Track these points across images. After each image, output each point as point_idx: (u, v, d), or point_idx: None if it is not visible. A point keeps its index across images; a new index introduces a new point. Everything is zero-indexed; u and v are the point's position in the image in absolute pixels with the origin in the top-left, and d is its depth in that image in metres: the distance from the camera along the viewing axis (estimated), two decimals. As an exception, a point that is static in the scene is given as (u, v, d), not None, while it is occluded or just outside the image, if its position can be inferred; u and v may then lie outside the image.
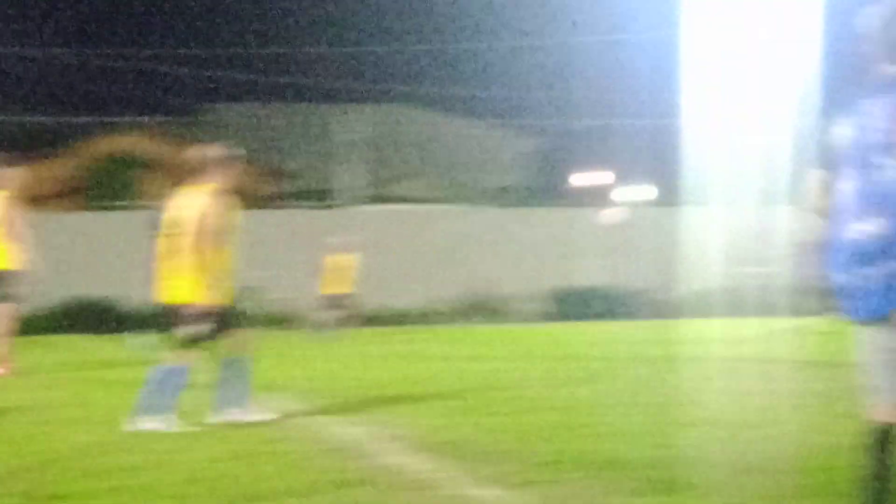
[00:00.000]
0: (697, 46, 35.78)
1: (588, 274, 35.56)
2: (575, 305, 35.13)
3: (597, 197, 44.12)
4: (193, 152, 10.17)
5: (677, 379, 13.29)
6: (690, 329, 25.79)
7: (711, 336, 22.58)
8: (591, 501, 6.18)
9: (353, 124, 40.12)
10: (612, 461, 7.36)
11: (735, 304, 33.28)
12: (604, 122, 40.94)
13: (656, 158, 44.47)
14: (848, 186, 5.10)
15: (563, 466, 7.25)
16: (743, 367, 15.48)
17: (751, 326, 26.68)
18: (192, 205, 9.75)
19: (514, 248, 35.88)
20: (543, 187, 52.42)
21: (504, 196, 45.66)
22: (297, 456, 7.96)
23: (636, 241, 36.43)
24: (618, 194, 41.53)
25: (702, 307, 34.42)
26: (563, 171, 52.14)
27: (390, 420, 9.81)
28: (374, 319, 33.07)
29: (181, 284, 9.66)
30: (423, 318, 34.55)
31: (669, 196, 39.73)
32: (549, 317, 35.21)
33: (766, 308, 30.30)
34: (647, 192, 44.53)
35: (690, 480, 6.63)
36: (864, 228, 4.93)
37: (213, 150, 10.08)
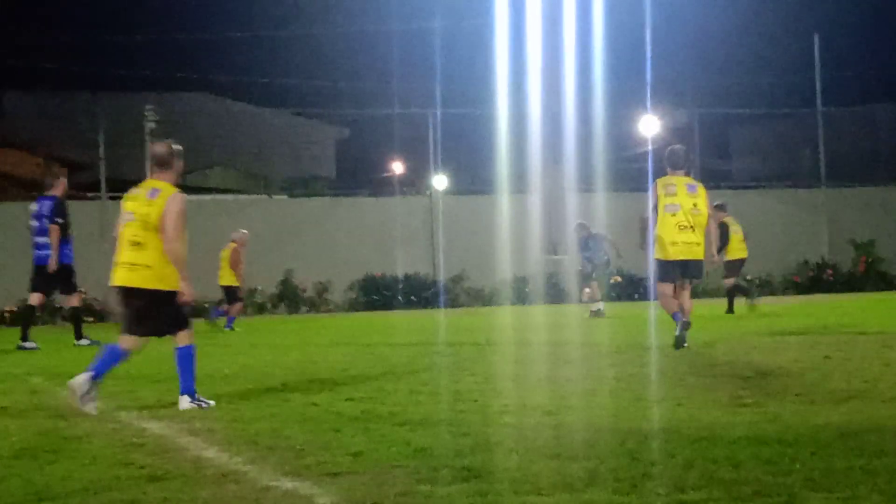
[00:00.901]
0: (509, 37, 36.23)
1: (398, 263, 35.73)
2: (383, 294, 35.26)
3: (406, 185, 44.31)
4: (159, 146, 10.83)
5: (485, 366, 13.46)
6: (501, 316, 26.16)
7: (521, 323, 22.92)
8: (395, 490, 6.25)
9: (150, 114, 39.50)
10: (418, 450, 7.44)
11: (548, 291, 33.92)
12: (412, 110, 41.04)
13: (467, 147, 44.83)
14: None
15: (369, 456, 7.31)
16: (550, 353, 15.76)
17: (560, 313, 27.19)
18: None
19: (322, 237, 35.86)
20: (351, 176, 52.38)
21: (310, 185, 45.48)
22: (97, 451, 7.86)
23: (447, 229, 36.74)
24: (427, 183, 41.77)
25: (515, 294, 34.95)
26: (372, 160, 52.24)
27: (194, 414, 9.75)
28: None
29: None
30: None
31: (481, 185, 40.13)
32: (358, 306, 35.29)
33: (575, 295, 30.86)
34: (456, 180, 44.87)
35: (494, 468, 6.75)
36: None
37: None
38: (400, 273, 35.81)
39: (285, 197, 42.03)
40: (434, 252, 36.72)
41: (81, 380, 9.96)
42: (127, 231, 10.40)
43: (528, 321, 24.65)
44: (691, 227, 15.07)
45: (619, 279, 34.93)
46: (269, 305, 36.16)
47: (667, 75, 44.61)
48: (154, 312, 10.30)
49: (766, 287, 37.25)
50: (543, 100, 37.76)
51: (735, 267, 24.78)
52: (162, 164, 10.63)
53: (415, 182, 44.90)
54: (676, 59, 44.50)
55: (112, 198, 35.59)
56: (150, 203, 10.31)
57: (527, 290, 35.42)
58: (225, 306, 25.52)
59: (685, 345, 14.76)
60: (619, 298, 34.16)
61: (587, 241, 26.67)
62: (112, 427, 9.12)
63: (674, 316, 15.16)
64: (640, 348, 15.41)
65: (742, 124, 56.11)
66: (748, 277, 36.97)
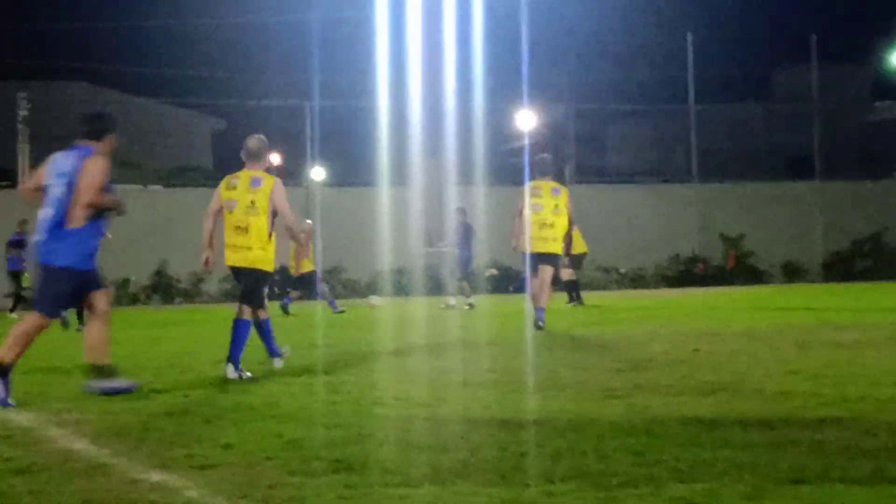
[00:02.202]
0: (389, 28, 36.22)
1: (277, 255, 35.55)
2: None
3: (284, 177, 44.10)
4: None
5: (359, 358, 13.46)
6: (378, 309, 26.15)
7: (397, 315, 22.95)
8: (265, 483, 6.23)
9: (23, 102, 38.84)
10: (291, 442, 7.43)
11: (426, 283, 33.96)
12: (290, 102, 40.84)
13: (346, 139, 44.75)
14: None
15: (240, 448, 7.28)
16: (425, 345, 15.81)
17: (437, 305, 27.26)
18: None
19: (197, 227, 35.41)
20: (228, 168, 52.07)
21: (186, 176, 45.00)
22: (-37, 444, 7.73)
23: (325, 221, 36.63)
24: (302, 175, 41.62)
25: (393, 286, 34.95)
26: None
27: (63, 405, 9.62)
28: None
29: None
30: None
31: (360, 177, 40.04)
32: (234, 297, 35.03)
33: (454, 286, 30.96)
34: (334, 172, 44.76)
35: (365, 460, 6.76)
36: None
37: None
38: (276, 265, 35.65)
39: (160, 187, 41.53)
40: (312, 244, 36.59)
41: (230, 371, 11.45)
42: (231, 217, 11.91)
43: (405, 313, 24.69)
44: (551, 224, 17.19)
45: (496, 272, 35.13)
46: (142, 296, 35.75)
47: (544, 70, 44.92)
48: (256, 287, 11.94)
49: (638, 280, 37.73)
50: (423, 92, 37.82)
51: (578, 261, 25.86)
52: (255, 155, 12.07)
53: (293, 174, 44.68)
54: (553, 54, 44.86)
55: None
56: (255, 191, 11.83)
57: (403, 282, 35.46)
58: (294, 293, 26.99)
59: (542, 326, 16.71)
60: (494, 291, 34.36)
61: (465, 230, 26.89)
62: (-23, 419, 8.97)
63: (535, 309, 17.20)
64: (514, 341, 15.53)
65: (617, 120, 56.72)
66: (622, 270, 37.45)
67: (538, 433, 7.60)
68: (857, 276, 38.99)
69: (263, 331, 12.26)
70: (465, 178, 37.78)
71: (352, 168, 43.37)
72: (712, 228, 39.46)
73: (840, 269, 39.62)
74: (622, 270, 37.47)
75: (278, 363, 12.25)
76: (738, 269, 39.26)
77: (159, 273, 35.80)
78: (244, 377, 11.37)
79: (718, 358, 12.30)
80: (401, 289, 32.00)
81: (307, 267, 26.68)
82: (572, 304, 25.28)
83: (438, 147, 37.84)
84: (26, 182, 10.95)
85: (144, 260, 35.04)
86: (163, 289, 35.92)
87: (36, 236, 10.07)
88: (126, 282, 34.09)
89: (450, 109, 38.01)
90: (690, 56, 40.83)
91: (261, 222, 11.89)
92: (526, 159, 33.99)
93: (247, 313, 11.99)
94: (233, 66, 47.37)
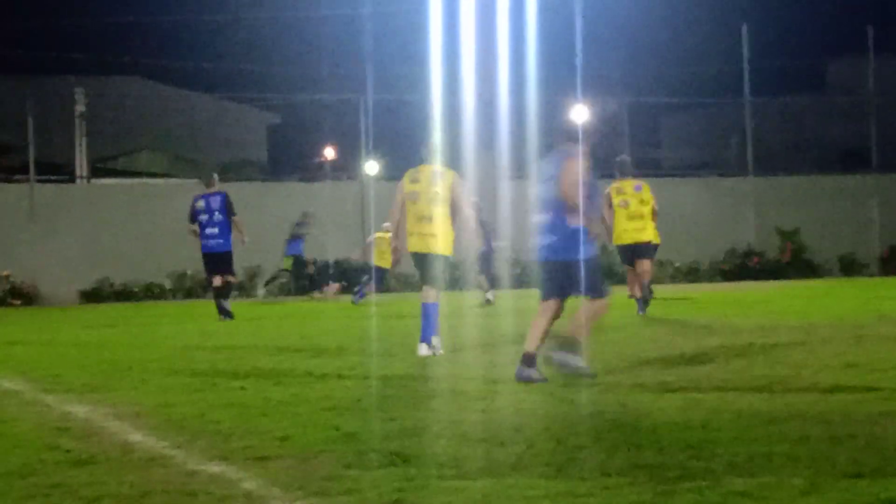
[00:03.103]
0: (442, 22, 36.24)
1: (329, 248, 35.65)
2: (315, 280, 35.15)
3: (336, 171, 44.19)
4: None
5: (408, 352, 13.47)
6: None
7: (452, 309, 22.95)
8: (321, 474, 6.26)
9: (80, 97, 39.14)
10: (346, 435, 7.47)
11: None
12: (344, 96, 40.95)
13: (400, 133, 44.78)
14: None
15: (296, 440, 7.32)
16: (479, 337, 15.81)
17: (497, 298, 27.26)
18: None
19: (252, 222, 35.63)
20: (283, 162, 52.19)
21: (241, 170, 45.21)
22: (22, 435, 7.82)
23: (379, 215, 36.67)
24: (356, 168, 41.72)
25: (448, 280, 34.89)
26: (304, 145, 52.06)
27: (118, 397, 9.71)
28: (119, 294, 32.83)
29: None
30: (169, 293, 34.24)
31: (404, 170, 40.03)
32: (290, 291, 35.17)
33: (499, 280, 30.98)
34: (388, 166, 44.87)
35: (421, 453, 6.79)
36: None
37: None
38: (331, 258, 35.72)
39: (224, 182, 41.73)
40: (365, 238, 36.68)
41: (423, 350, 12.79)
42: (415, 208, 13.27)
43: (461, 307, 24.69)
44: (640, 215, 19.39)
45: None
46: (198, 290, 35.99)
47: (597, 64, 44.82)
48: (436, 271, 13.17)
49: (693, 274, 37.55)
50: (476, 85, 37.79)
51: None
52: (436, 152, 13.67)
53: (346, 167, 44.76)
54: (607, 47, 44.74)
55: (40, 180, 35.28)
56: (439, 184, 13.22)
57: (457, 275, 35.46)
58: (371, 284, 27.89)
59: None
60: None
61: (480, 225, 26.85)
62: (37, 410, 9.07)
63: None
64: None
65: (671, 113, 56.46)
66: (676, 264, 37.28)
67: (593, 426, 7.60)
68: (915, 270, 38.67)
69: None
70: (519, 172, 37.72)
71: (406, 162, 43.33)
72: (768, 222, 39.20)
73: (898, 262, 39.29)
74: (677, 264, 37.30)
75: (424, 350, 12.90)
76: (793, 263, 38.96)
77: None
78: (437, 354, 12.75)
79: (774, 352, 12.23)
80: (454, 283, 31.87)
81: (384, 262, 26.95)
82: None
83: (492, 141, 37.82)
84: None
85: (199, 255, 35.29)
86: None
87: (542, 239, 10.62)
88: (183, 276, 34.30)
89: (503, 103, 37.97)
90: (746, 48, 40.58)
91: (443, 211, 13.20)
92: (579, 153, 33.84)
93: (432, 296, 13.17)
94: (287, 60, 47.53)
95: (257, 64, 47.11)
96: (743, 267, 38.33)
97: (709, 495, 5.58)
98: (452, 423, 7.89)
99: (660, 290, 26.04)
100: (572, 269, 10.44)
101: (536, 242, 10.67)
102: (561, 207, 10.40)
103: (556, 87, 40.98)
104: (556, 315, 10.64)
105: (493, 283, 26.42)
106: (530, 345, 10.35)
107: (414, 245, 13.38)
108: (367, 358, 12.78)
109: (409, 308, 24.17)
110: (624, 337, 14.84)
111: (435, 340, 13.04)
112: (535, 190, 10.82)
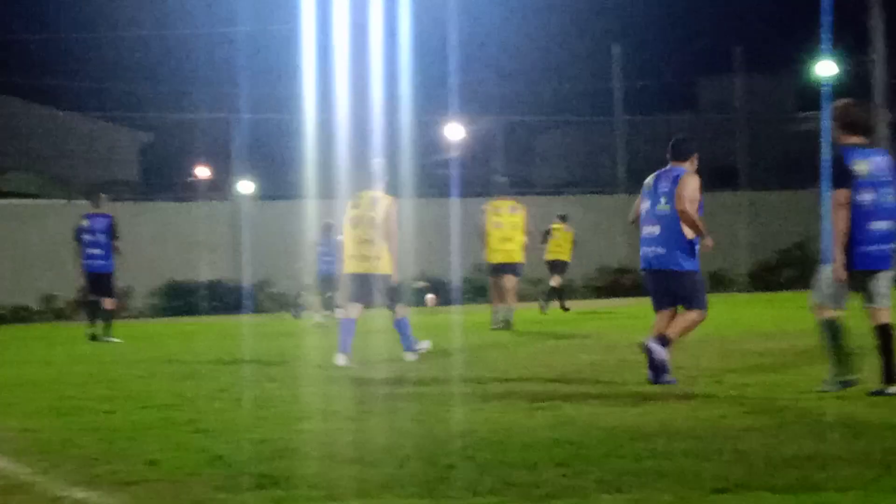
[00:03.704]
0: (315, 41, 36.13)
1: (202, 268, 35.32)
2: (187, 300, 34.82)
3: (209, 190, 43.86)
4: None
5: (287, 372, 13.39)
6: (301, 323, 26.06)
7: (326, 328, 22.86)
8: (190, 498, 6.18)
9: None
10: (217, 458, 7.38)
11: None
12: (217, 115, 40.68)
13: (274, 152, 44.60)
14: None
15: (165, 465, 7.21)
16: (355, 357, 15.76)
17: (370, 317, 27.17)
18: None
19: (124, 242, 35.15)
20: (156, 181, 51.62)
21: (113, 190, 44.60)
22: None
23: (253, 234, 36.45)
24: (229, 188, 41.46)
25: (322, 300, 34.77)
26: (177, 165, 51.57)
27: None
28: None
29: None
30: (37, 315, 33.60)
31: (287, 190, 39.90)
32: (161, 312, 34.78)
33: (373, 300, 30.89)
34: (262, 185, 44.69)
35: (291, 474, 6.73)
36: None
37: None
38: (204, 279, 35.40)
39: (86, 202, 41.11)
40: (239, 257, 36.42)
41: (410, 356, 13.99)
42: (355, 232, 14.14)
43: (334, 326, 24.58)
44: (510, 238, 20.32)
45: (425, 284, 35.10)
46: (67, 311, 35.39)
47: (472, 82, 45.06)
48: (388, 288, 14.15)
49: (567, 291, 37.86)
50: (350, 105, 37.75)
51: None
52: (378, 177, 14.63)
53: (221, 187, 44.44)
54: (482, 66, 45.02)
55: None
56: (374, 209, 14.05)
57: (329, 295, 35.33)
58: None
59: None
60: (421, 304, 34.30)
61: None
62: None
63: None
64: (442, 354, 15.50)
65: (545, 131, 56.97)
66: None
67: (465, 445, 7.60)
68: (782, 285, 39.36)
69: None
70: (394, 190, 37.74)
71: (280, 181, 43.20)
72: (639, 238, 39.68)
73: (766, 278, 39.97)
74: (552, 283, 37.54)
75: (411, 356, 14.14)
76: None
77: (84, 288, 35.48)
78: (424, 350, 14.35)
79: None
80: (329, 303, 31.74)
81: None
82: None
83: (365, 159, 37.80)
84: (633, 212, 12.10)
85: (70, 274, 34.72)
86: (88, 304, 35.58)
87: (651, 249, 11.40)
88: (52, 298, 33.72)
89: (377, 121, 37.98)
90: (617, 67, 41.09)
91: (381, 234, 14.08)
92: (454, 171, 34.06)
93: (401, 312, 14.44)
94: (161, 79, 47.09)
95: (130, 83, 46.60)
96: (615, 283, 38.73)
97: (578, 512, 5.62)
98: (324, 444, 7.85)
99: (533, 308, 26.22)
100: (679, 279, 11.26)
101: (645, 253, 11.50)
102: (674, 221, 11.10)
103: (432, 105, 41.12)
104: (672, 319, 11.35)
105: (329, 305, 26.21)
106: (672, 332, 11.15)
107: (355, 267, 14.04)
108: (240, 379, 12.65)
109: (285, 327, 24.04)
110: (497, 354, 14.89)
111: (413, 350, 14.27)
112: (644, 204, 11.60)
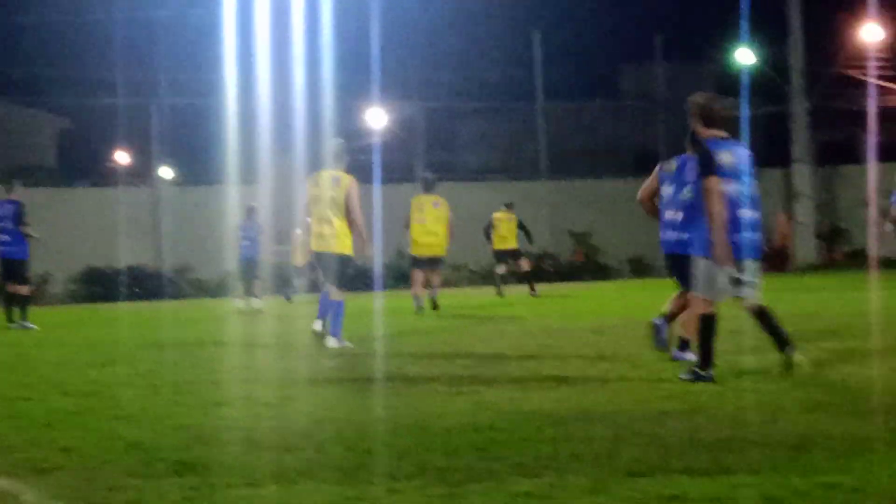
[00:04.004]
0: (236, 26, 35.91)
1: (122, 254, 35.02)
2: (106, 286, 34.52)
3: (129, 176, 43.42)
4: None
5: (206, 358, 13.32)
6: (221, 308, 25.93)
7: (246, 314, 22.77)
8: (105, 485, 6.13)
9: None
10: (133, 444, 7.33)
11: (275, 281, 33.59)
12: (137, 100, 40.23)
13: (195, 138, 44.22)
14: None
15: (81, 451, 7.15)
16: (274, 344, 15.72)
17: (285, 304, 27.13)
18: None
19: (41, 228, 34.77)
20: (74, 167, 51.07)
21: (30, 175, 44.07)
22: None
23: (173, 220, 36.22)
24: (149, 174, 41.10)
25: (243, 286, 34.60)
26: (96, 150, 50.98)
27: None
28: None
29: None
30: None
31: (208, 175, 39.62)
32: (80, 298, 34.46)
33: (293, 284, 30.88)
34: (182, 171, 44.36)
35: (209, 461, 6.69)
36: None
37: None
38: (124, 265, 35.11)
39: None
40: (159, 243, 36.18)
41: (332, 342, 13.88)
42: (316, 210, 14.14)
43: (254, 312, 24.50)
44: (434, 232, 20.63)
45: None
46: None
47: (394, 68, 44.97)
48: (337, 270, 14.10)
49: (489, 277, 37.98)
50: (271, 90, 37.56)
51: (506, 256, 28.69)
52: (338, 157, 14.43)
53: (140, 173, 44.00)
54: (403, 52, 44.89)
55: None
56: (334, 189, 14.03)
57: (251, 280, 35.16)
58: None
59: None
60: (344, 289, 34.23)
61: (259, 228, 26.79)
62: None
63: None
64: (362, 338, 15.49)
65: (468, 118, 56.98)
66: (472, 268, 37.65)
67: (384, 431, 7.61)
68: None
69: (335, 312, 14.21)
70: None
71: (200, 167, 42.88)
72: (561, 225, 39.85)
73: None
74: (472, 268, 37.64)
75: (332, 343, 13.97)
76: (586, 265, 39.72)
77: None
78: (347, 346, 13.91)
79: (565, 353, 12.43)
80: (246, 286, 31.65)
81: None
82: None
83: (287, 145, 37.65)
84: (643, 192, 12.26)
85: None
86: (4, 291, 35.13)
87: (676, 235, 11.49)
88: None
89: (299, 107, 37.82)
90: (538, 54, 41.21)
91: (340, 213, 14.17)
92: (376, 157, 33.99)
93: (334, 293, 14.26)
94: (79, 63, 46.44)
95: (47, 67, 45.94)
96: (537, 269, 38.84)
97: (495, 497, 5.64)
98: (242, 431, 7.81)
99: (455, 293, 26.28)
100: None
101: (668, 237, 11.65)
102: (698, 208, 10.87)
103: (354, 91, 40.98)
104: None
105: (251, 291, 26.10)
106: (687, 331, 11.31)
107: (316, 245, 14.30)
108: (159, 365, 12.55)
109: (205, 313, 23.91)
110: (418, 340, 14.90)
111: (338, 339, 13.99)
112: (665, 188, 11.81)
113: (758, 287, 10.21)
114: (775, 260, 40.41)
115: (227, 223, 32.23)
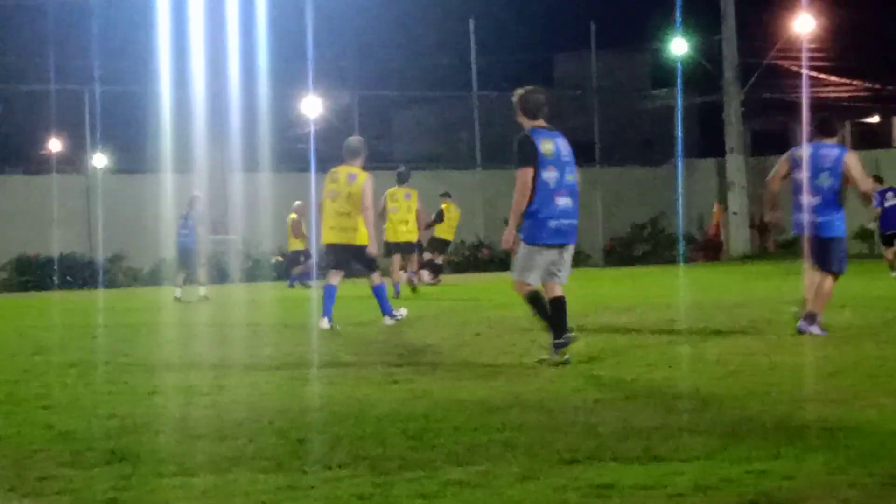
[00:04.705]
0: (171, 13, 35.66)
1: (54, 243, 34.68)
2: (37, 275, 34.17)
3: (62, 164, 43.03)
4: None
5: (138, 347, 13.22)
6: (155, 297, 25.76)
7: (180, 304, 22.63)
8: (34, 475, 6.07)
9: None
10: (63, 434, 7.27)
11: (210, 270, 33.41)
12: (69, 87, 39.82)
13: (129, 125, 43.89)
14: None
15: (10, 441, 7.10)
16: (208, 333, 15.66)
17: (222, 294, 26.99)
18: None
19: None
20: (3, 154, 50.54)
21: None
22: None
23: (106, 209, 35.91)
24: (83, 161, 40.73)
25: (174, 275, 34.42)
26: (28, 138, 50.48)
27: None
28: None
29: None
30: None
31: (142, 164, 39.33)
32: (10, 287, 34.09)
33: (228, 274, 30.83)
34: (116, 159, 44.03)
35: (140, 450, 6.65)
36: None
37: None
38: (55, 253, 34.76)
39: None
40: (91, 232, 35.82)
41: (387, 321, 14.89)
42: (334, 205, 14.70)
43: (188, 301, 24.35)
44: (406, 220, 21.13)
45: (281, 259, 34.94)
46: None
47: (329, 56, 44.84)
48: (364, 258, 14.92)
49: (426, 266, 37.98)
50: (206, 78, 37.34)
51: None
52: (355, 153, 14.91)
53: (73, 160, 43.60)
54: (338, 40, 44.76)
55: None
56: (351, 185, 14.57)
57: (187, 270, 34.95)
58: (297, 268, 29.39)
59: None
60: (279, 278, 34.19)
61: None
62: None
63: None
64: (298, 328, 15.47)
65: (403, 107, 56.93)
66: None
67: (318, 419, 7.60)
68: (636, 260, 39.96)
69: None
70: (250, 164, 37.43)
71: (135, 155, 42.56)
72: (496, 214, 39.87)
73: (620, 253, 40.53)
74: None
75: (388, 321, 14.94)
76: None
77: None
78: (401, 318, 15.26)
79: (500, 342, 12.46)
80: (180, 275, 31.51)
81: (298, 246, 29.48)
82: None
83: (222, 133, 37.45)
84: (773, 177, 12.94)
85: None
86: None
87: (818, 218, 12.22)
88: None
89: (234, 95, 37.64)
90: (473, 43, 41.22)
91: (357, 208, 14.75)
92: (312, 145, 33.88)
93: (376, 279, 15.16)
94: (10, 49, 45.94)
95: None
96: (473, 259, 38.92)
97: (427, 485, 5.64)
98: (175, 419, 7.78)
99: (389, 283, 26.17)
100: (830, 244, 12.34)
101: (803, 220, 12.29)
102: (835, 192, 12.19)
103: (289, 80, 40.82)
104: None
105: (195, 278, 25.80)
106: (816, 305, 12.08)
107: (335, 238, 14.79)
108: (90, 354, 12.45)
109: (138, 302, 23.74)
110: (354, 330, 14.88)
111: (392, 315, 15.10)
112: (798, 174, 12.32)
113: (568, 272, 10.69)
114: (710, 249, 40.76)
115: (162, 212, 32.05)
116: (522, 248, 10.50)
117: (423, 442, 6.65)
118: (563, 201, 10.51)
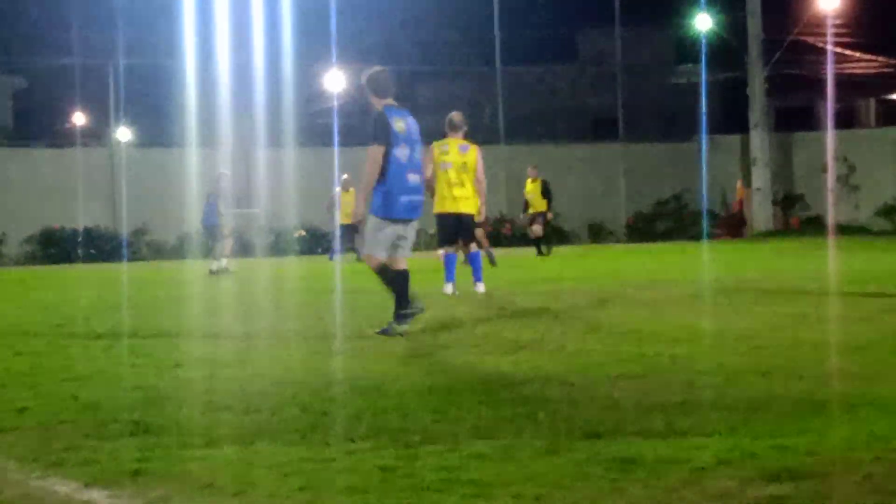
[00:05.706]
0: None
1: (79, 216, 34.83)
2: (62, 248, 34.34)
3: (86, 137, 43.15)
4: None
5: (162, 320, 13.27)
6: (179, 270, 25.85)
7: (203, 277, 22.70)
8: (59, 446, 6.10)
9: None
10: (88, 405, 7.30)
11: (235, 245, 33.56)
12: (94, 60, 39.89)
13: (154, 99, 43.96)
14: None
15: (35, 412, 7.12)
16: (231, 306, 15.70)
17: (245, 267, 27.07)
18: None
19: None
20: (30, 128, 50.69)
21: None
22: None
23: (131, 182, 36.03)
24: (107, 135, 40.85)
25: (201, 248, 34.54)
26: (53, 111, 50.61)
27: None
28: None
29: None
30: None
31: (167, 138, 39.39)
32: (36, 260, 34.27)
33: (252, 247, 30.89)
34: (141, 133, 44.13)
35: (164, 422, 6.68)
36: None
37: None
38: (80, 226, 34.91)
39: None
40: (116, 205, 35.97)
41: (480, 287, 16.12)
42: (446, 176, 15.74)
43: (222, 272, 24.41)
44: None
45: (304, 233, 35.02)
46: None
47: (353, 31, 44.80)
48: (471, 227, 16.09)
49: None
50: (231, 52, 37.39)
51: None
52: (458, 127, 15.89)
53: (98, 134, 43.74)
54: (362, 14, 44.72)
55: None
56: (465, 155, 15.73)
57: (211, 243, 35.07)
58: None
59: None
60: (303, 253, 34.27)
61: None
62: None
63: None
64: (321, 303, 15.51)
65: (426, 81, 56.85)
66: (430, 232, 37.64)
67: (340, 393, 7.61)
68: (659, 236, 39.95)
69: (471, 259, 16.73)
70: (274, 139, 37.53)
71: (159, 129, 42.65)
72: (519, 189, 39.87)
73: (643, 229, 40.52)
74: (431, 231, 37.64)
75: (480, 288, 16.11)
76: (546, 231, 39.78)
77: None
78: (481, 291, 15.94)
79: (521, 317, 12.47)
80: (209, 251, 31.62)
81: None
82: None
83: (247, 108, 37.49)
84: None
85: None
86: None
87: None
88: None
89: (258, 70, 37.68)
90: (497, 17, 41.16)
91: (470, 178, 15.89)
92: (335, 120, 33.90)
93: (474, 247, 16.61)
94: (34, 23, 46.00)
95: (1, 27, 45.46)
96: (495, 234, 38.93)
97: (449, 458, 5.65)
98: (199, 392, 7.80)
99: (414, 258, 26.20)
100: None
101: None
102: None
103: (313, 54, 40.82)
104: None
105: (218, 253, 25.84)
106: None
107: (448, 207, 15.73)
108: (115, 326, 12.51)
109: (162, 275, 23.82)
110: (374, 302, 14.90)
111: (482, 282, 16.20)
112: None
113: (410, 245, 11.36)
114: (733, 226, 40.66)
115: (186, 186, 32.12)
116: (372, 222, 10.96)
117: (445, 415, 6.67)
118: (414, 178, 11.03)
